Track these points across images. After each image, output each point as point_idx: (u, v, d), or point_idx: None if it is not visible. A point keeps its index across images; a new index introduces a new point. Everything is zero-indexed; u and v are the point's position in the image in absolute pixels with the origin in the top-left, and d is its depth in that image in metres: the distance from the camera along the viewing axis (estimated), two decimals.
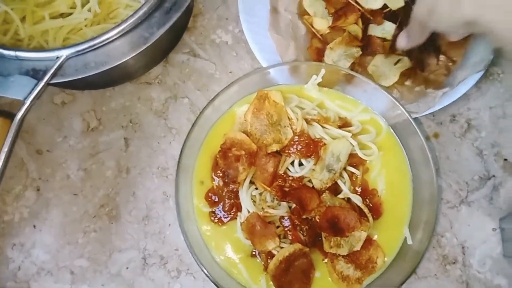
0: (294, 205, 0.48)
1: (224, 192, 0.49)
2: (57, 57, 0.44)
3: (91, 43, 0.45)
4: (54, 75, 0.44)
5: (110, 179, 0.58)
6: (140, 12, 0.46)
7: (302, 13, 0.62)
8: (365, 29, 0.60)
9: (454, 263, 0.56)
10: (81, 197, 0.57)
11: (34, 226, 0.56)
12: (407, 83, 0.59)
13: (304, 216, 0.47)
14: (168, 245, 0.56)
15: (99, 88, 0.60)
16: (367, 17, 0.61)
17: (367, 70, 0.59)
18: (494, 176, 0.60)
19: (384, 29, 0.58)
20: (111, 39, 0.45)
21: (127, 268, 0.55)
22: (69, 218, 0.57)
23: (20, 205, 0.57)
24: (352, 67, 0.58)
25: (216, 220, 0.49)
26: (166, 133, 0.60)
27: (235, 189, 0.49)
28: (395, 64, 0.58)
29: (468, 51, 0.57)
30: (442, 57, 0.57)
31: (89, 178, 0.58)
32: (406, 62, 0.58)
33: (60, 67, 0.44)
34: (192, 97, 0.62)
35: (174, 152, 0.59)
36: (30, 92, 0.43)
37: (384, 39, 0.58)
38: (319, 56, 0.59)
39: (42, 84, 0.43)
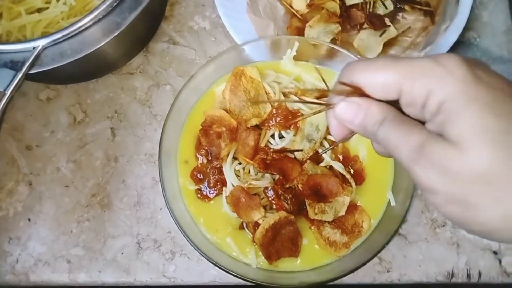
0: (277, 176, 0.49)
1: (208, 169, 0.50)
2: (34, 48, 0.45)
3: (66, 31, 0.46)
4: (32, 65, 0.45)
5: (100, 169, 0.59)
6: None
7: None
8: (343, 4, 0.61)
9: (443, 226, 0.57)
10: (73, 188, 0.58)
11: (29, 220, 0.57)
12: (392, 52, 0.60)
13: (287, 186, 0.48)
14: (160, 228, 0.57)
15: (82, 81, 0.61)
16: None
17: (352, 45, 0.59)
18: None
19: None
20: (84, 27, 0.47)
21: (122, 253, 0.56)
22: (62, 209, 0.58)
23: (14, 200, 0.58)
24: (332, 43, 0.59)
25: (202, 197, 0.50)
26: (151, 120, 0.61)
27: (218, 165, 0.49)
28: (381, 35, 0.59)
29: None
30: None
31: (79, 169, 0.59)
32: (391, 32, 0.59)
33: (37, 57, 0.45)
34: (174, 84, 0.63)
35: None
36: (10, 83, 0.44)
37: (363, 6, 0.59)
38: (299, 34, 0.59)
39: (20, 74, 0.44)
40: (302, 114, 0.50)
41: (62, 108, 0.62)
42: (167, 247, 0.56)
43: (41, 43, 0.46)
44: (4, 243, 0.56)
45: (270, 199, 0.47)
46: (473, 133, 0.24)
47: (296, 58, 0.55)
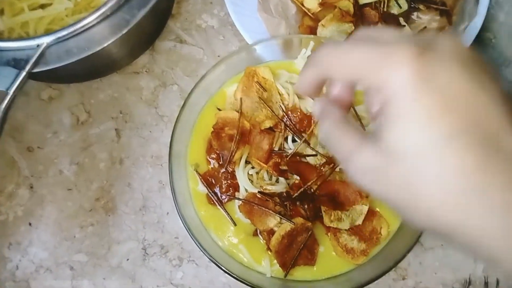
0: (292, 181, 0.47)
1: (220, 173, 0.48)
2: (38, 45, 0.43)
3: (72, 29, 0.44)
4: (36, 63, 0.43)
5: (104, 171, 0.57)
6: None
7: None
8: (356, 3, 0.59)
9: None
10: (76, 192, 0.56)
11: (30, 224, 0.55)
12: None
13: (303, 188, 0.45)
14: (167, 233, 0.55)
15: (86, 80, 0.59)
16: None
17: None
18: None
19: None
20: (91, 24, 0.44)
21: (127, 259, 0.54)
22: (64, 213, 0.55)
23: (14, 203, 0.56)
24: None
25: (213, 202, 0.48)
26: (158, 121, 0.59)
27: (231, 170, 0.47)
28: None
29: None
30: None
31: (82, 172, 0.57)
32: (406, 32, 0.57)
33: (41, 55, 0.43)
34: (181, 84, 0.61)
35: (167, 140, 0.57)
36: (13, 82, 0.41)
37: (376, 5, 0.57)
38: (311, 34, 0.57)
39: (24, 73, 0.42)
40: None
41: (64, 108, 0.59)
42: (175, 253, 0.54)
43: (45, 40, 0.43)
44: (3, 248, 0.54)
45: (285, 204, 0.45)
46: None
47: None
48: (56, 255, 0.54)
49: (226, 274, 0.45)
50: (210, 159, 0.49)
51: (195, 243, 0.45)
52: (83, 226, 0.55)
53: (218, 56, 0.62)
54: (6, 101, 0.41)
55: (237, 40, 0.63)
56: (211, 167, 0.49)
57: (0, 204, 0.56)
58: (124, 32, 0.44)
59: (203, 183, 0.48)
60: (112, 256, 0.54)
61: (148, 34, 0.59)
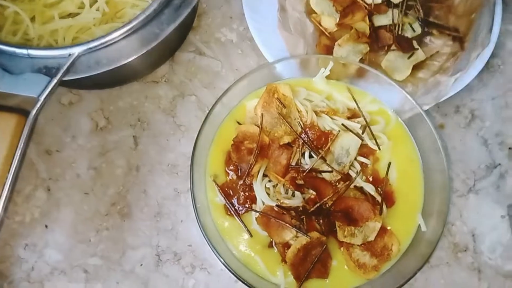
0: (308, 196, 0.48)
1: (238, 185, 0.49)
2: (69, 55, 0.45)
3: (103, 40, 0.45)
4: (66, 72, 0.44)
5: (121, 177, 0.58)
6: (151, 9, 0.47)
7: (310, 11, 0.63)
8: (372, 25, 0.61)
9: (465, 250, 0.57)
10: (92, 196, 0.57)
11: (46, 226, 0.56)
12: (420, 75, 0.60)
13: (319, 203, 0.47)
14: (181, 241, 0.56)
15: (106, 88, 0.61)
16: (373, 13, 0.62)
17: (380, 65, 0.59)
18: (499, 164, 0.61)
19: (389, 16, 0.59)
20: (122, 37, 0.46)
21: (141, 265, 0.55)
22: (80, 217, 0.56)
23: (31, 205, 0.57)
24: (360, 63, 0.59)
25: (231, 213, 0.49)
26: (175, 130, 0.60)
27: (248, 182, 0.49)
28: (409, 58, 0.59)
29: (475, 26, 0.59)
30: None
31: (99, 177, 0.58)
32: (419, 55, 0.59)
33: (72, 64, 0.45)
34: (199, 95, 0.62)
35: (183, 149, 0.59)
36: (44, 89, 0.43)
37: (391, 28, 0.59)
38: (327, 52, 0.59)
39: (55, 81, 0.44)
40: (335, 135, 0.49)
41: (84, 113, 0.61)
42: (188, 260, 0.55)
43: (77, 50, 0.45)
44: (19, 249, 0.55)
45: (302, 218, 0.47)
46: None
47: (325, 77, 0.55)
48: (70, 258, 0.55)
49: (239, 283, 0.46)
50: (228, 171, 0.50)
51: (213, 251, 0.47)
52: (98, 230, 0.56)
53: (236, 69, 0.64)
54: (37, 107, 0.42)
55: (255, 54, 0.64)
56: (229, 179, 0.50)
57: (18, 205, 0.57)
58: (153, 45, 0.46)
59: (221, 194, 0.49)
60: (126, 261, 0.55)
61: (171, 46, 0.60)
